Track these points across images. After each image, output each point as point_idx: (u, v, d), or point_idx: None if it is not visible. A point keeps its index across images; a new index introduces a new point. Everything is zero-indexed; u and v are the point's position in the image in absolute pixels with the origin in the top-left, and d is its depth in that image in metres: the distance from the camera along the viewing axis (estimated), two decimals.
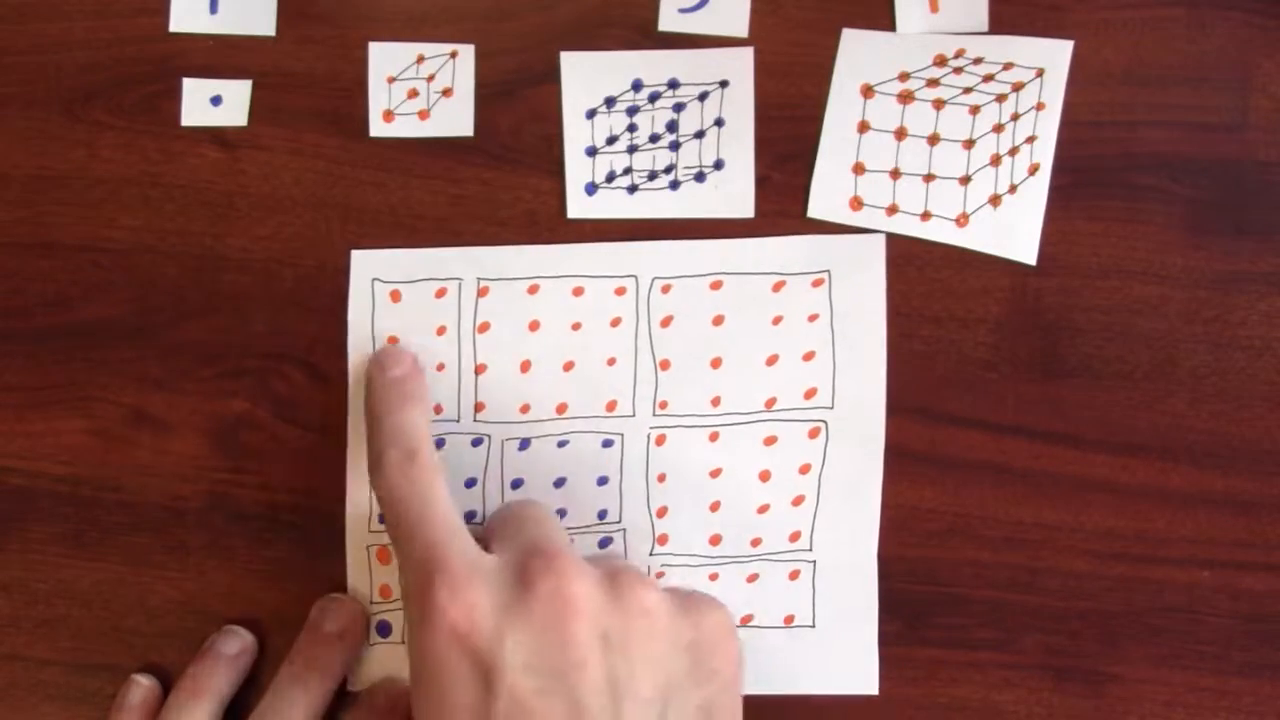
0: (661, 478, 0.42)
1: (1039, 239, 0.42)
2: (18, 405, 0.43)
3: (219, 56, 0.43)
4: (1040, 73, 0.42)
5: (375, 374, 0.40)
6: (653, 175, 0.43)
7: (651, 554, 0.42)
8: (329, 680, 0.40)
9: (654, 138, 0.43)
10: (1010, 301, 0.42)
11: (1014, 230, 0.42)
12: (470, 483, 0.42)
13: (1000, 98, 0.42)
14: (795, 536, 0.42)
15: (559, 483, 0.42)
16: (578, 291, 0.42)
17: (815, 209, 0.42)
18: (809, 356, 0.42)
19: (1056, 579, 0.41)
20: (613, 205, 0.42)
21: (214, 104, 0.43)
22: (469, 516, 0.42)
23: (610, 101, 0.43)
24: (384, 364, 0.41)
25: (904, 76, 0.42)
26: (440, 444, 0.42)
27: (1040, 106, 0.42)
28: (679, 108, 0.43)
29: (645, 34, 0.43)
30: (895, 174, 0.42)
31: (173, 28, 0.43)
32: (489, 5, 0.43)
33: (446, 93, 0.43)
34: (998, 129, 0.42)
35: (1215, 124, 0.42)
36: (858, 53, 0.42)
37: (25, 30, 0.43)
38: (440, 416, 0.42)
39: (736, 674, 0.35)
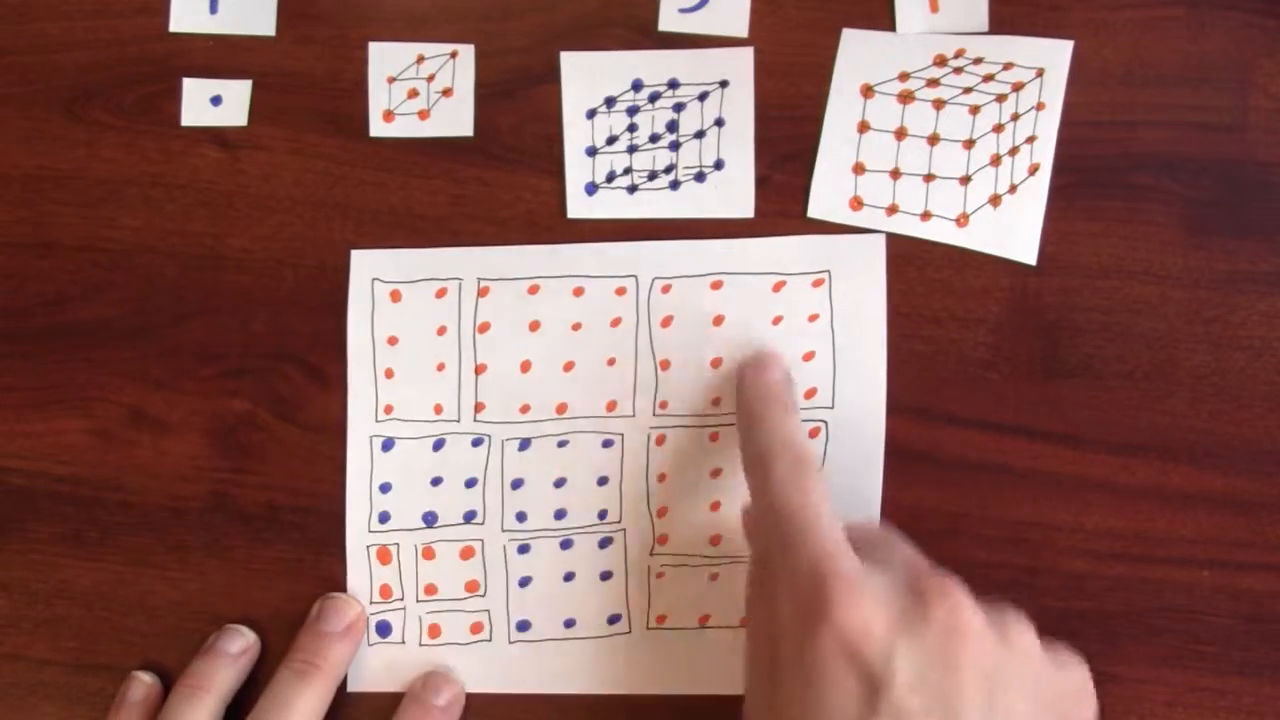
0: (662, 478, 0.42)
1: (1039, 239, 0.42)
2: (18, 405, 0.43)
3: (219, 56, 0.43)
4: (1040, 73, 0.41)
5: (754, 376, 0.40)
6: (653, 175, 0.43)
7: (652, 554, 0.42)
8: (329, 680, 0.40)
9: (654, 138, 0.43)
10: (1010, 301, 0.42)
11: (1014, 230, 0.42)
12: (470, 483, 0.42)
13: (1000, 98, 0.42)
14: None
15: (559, 483, 0.42)
16: (578, 292, 0.42)
17: (815, 209, 0.42)
18: (809, 356, 0.42)
19: (1056, 579, 0.41)
20: (613, 205, 0.42)
21: (214, 104, 0.43)
22: (469, 516, 0.42)
23: (610, 101, 0.43)
24: (764, 365, 0.41)
25: (904, 76, 0.42)
26: (440, 444, 0.42)
27: (1040, 106, 0.42)
28: (679, 108, 0.43)
29: (645, 34, 0.43)
30: (895, 174, 0.42)
31: (173, 28, 0.43)
32: (489, 5, 0.43)
33: (446, 93, 0.43)
34: (998, 129, 0.42)
35: (1215, 124, 0.42)
36: (858, 53, 0.42)
37: (25, 30, 0.43)
38: (439, 416, 0.42)
39: None
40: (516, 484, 0.42)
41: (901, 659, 0.32)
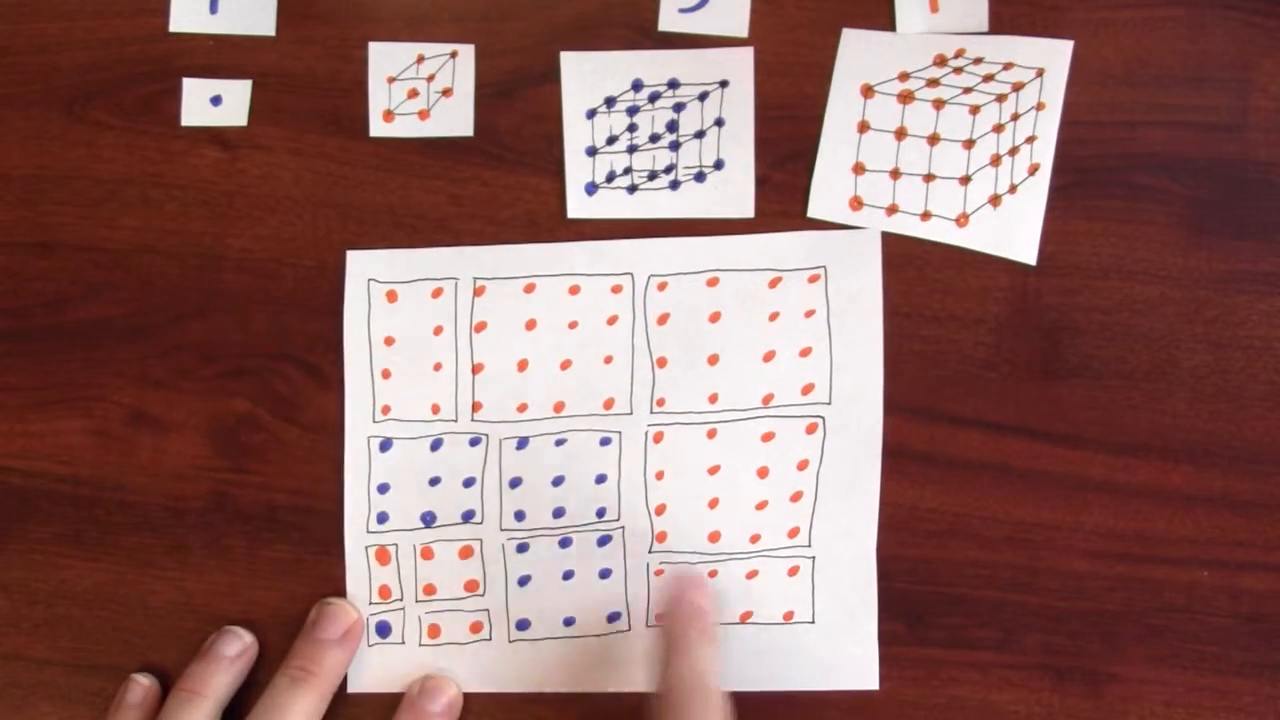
0: (660, 475, 0.42)
1: (1039, 239, 0.42)
2: (18, 405, 0.43)
3: (219, 56, 0.43)
4: (1040, 73, 0.41)
5: (681, 594, 0.41)
6: (653, 175, 0.43)
7: (650, 551, 0.42)
8: (326, 684, 0.40)
9: (654, 138, 0.43)
10: (1010, 301, 0.42)
11: (1014, 230, 0.42)
12: (469, 482, 0.42)
13: (1000, 98, 0.42)
14: (794, 532, 0.42)
15: (557, 481, 0.42)
16: (574, 290, 0.42)
17: (815, 209, 0.42)
18: (806, 352, 0.42)
19: (1056, 579, 0.41)
20: (613, 205, 0.42)
21: (214, 104, 0.43)
22: (467, 515, 0.42)
23: (610, 101, 0.43)
24: (696, 584, 0.41)
25: (904, 76, 0.42)
26: (438, 444, 0.42)
27: (1040, 106, 0.42)
28: (679, 108, 0.43)
29: (645, 34, 0.43)
30: (895, 174, 0.42)
31: (173, 28, 0.43)
32: (489, 5, 0.43)
33: (446, 93, 0.43)
34: (998, 129, 0.42)
35: (1215, 124, 0.42)
36: (858, 53, 0.42)
37: (25, 30, 0.44)
38: (437, 416, 0.42)
39: None
40: (515, 483, 0.42)
41: None
